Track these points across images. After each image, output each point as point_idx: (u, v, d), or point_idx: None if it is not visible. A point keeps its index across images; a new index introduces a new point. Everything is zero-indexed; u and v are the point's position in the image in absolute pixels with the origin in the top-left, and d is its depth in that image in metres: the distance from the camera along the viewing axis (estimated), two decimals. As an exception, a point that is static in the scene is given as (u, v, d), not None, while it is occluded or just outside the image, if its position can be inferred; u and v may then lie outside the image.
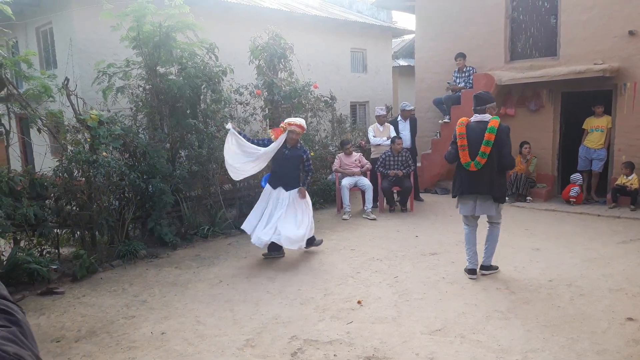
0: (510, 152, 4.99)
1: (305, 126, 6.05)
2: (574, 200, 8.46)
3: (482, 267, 5.25)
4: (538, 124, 9.14)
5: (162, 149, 6.71)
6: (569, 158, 9.07)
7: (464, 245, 5.26)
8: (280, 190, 6.06)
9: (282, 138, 5.87)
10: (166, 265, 6.00)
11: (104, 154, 6.11)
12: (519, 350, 3.59)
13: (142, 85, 7.16)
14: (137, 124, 7.08)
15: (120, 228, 6.38)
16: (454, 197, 5.27)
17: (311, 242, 6.25)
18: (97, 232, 6.30)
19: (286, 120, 6.04)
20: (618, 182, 8.09)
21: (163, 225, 6.63)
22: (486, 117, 5.00)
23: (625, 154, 8.23)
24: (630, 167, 7.97)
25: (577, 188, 8.51)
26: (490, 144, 4.87)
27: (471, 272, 5.17)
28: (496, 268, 5.30)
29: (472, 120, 5.08)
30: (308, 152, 6.25)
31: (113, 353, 3.80)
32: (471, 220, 5.24)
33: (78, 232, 6.27)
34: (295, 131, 5.88)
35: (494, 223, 5.19)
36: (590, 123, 8.64)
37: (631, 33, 7.92)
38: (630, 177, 7.96)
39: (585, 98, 8.76)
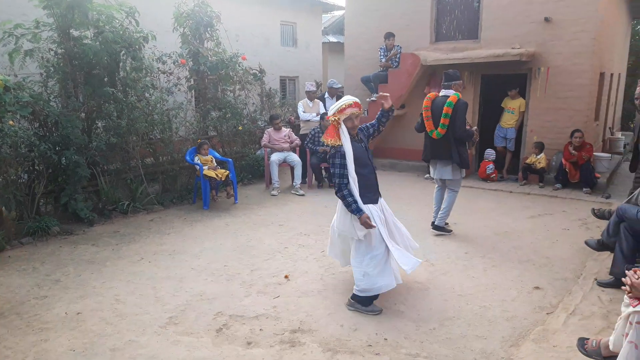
0: (463, 125, 5.56)
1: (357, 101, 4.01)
2: (494, 175, 8.98)
3: (434, 226, 5.97)
4: (459, 104, 9.52)
5: (76, 119, 6.25)
6: (487, 137, 9.57)
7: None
8: (382, 203, 4.18)
9: (345, 134, 3.91)
10: (82, 242, 5.68)
11: (11, 122, 5.59)
12: (436, 319, 3.78)
13: (54, 49, 6.60)
14: (48, 91, 6.53)
15: (29, 203, 5.93)
16: (423, 160, 6.14)
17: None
18: (3, 208, 5.81)
19: (334, 109, 3.93)
20: (528, 161, 8.67)
21: (78, 200, 6.24)
22: (450, 92, 5.62)
23: (537, 134, 8.80)
24: (540, 147, 8.55)
25: (491, 165, 9.04)
26: (448, 117, 5.55)
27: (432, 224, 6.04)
28: (449, 231, 5.95)
29: (439, 95, 5.76)
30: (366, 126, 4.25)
31: (23, 335, 3.56)
32: (438, 182, 6.04)
33: (-19, 208, 5.75)
34: (355, 113, 3.93)
35: (450, 189, 5.88)
36: (506, 103, 9.16)
37: (547, 20, 8.38)
38: (539, 156, 8.54)
39: (502, 80, 9.22)
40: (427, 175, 6.01)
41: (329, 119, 3.93)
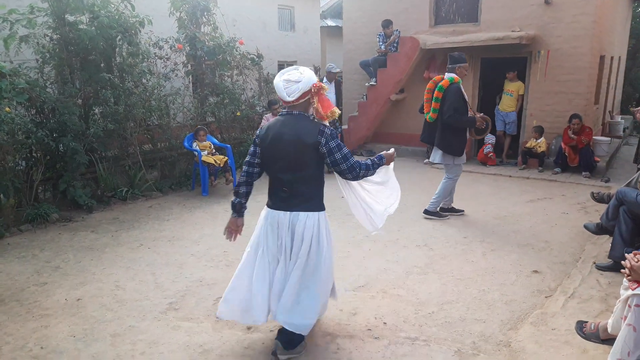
0: (450, 109, 5.43)
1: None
2: (492, 155, 8.97)
3: (425, 211, 5.92)
4: (459, 88, 9.45)
5: (73, 105, 6.20)
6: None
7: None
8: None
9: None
10: (81, 229, 5.68)
11: (7, 109, 5.56)
12: (435, 302, 3.79)
13: (49, 34, 6.52)
14: (44, 77, 6.48)
15: (28, 190, 5.91)
16: (421, 141, 6.20)
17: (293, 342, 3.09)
18: (1, 195, 5.79)
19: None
20: (527, 145, 8.64)
21: (77, 187, 6.22)
22: (450, 75, 5.51)
23: (537, 118, 8.76)
24: (539, 131, 8.52)
25: (489, 146, 9.02)
26: (438, 101, 5.49)
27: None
28: (442, 216, 5.91)
29: (443, 78, 5.66)
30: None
31: (24, 322, 3.57)
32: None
33: (-21, 195, 5.74)
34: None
35: (445, 176, 5.81)
36: (505, 86, 9.09)
37: (547, 2, 8.28)
38: (539, 140, 8.52)
39: (502, 64, 9.15)
40: (427, 160, 5.98)
41: (322, 85, 2.96)
